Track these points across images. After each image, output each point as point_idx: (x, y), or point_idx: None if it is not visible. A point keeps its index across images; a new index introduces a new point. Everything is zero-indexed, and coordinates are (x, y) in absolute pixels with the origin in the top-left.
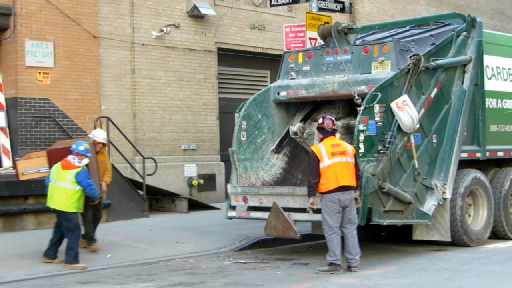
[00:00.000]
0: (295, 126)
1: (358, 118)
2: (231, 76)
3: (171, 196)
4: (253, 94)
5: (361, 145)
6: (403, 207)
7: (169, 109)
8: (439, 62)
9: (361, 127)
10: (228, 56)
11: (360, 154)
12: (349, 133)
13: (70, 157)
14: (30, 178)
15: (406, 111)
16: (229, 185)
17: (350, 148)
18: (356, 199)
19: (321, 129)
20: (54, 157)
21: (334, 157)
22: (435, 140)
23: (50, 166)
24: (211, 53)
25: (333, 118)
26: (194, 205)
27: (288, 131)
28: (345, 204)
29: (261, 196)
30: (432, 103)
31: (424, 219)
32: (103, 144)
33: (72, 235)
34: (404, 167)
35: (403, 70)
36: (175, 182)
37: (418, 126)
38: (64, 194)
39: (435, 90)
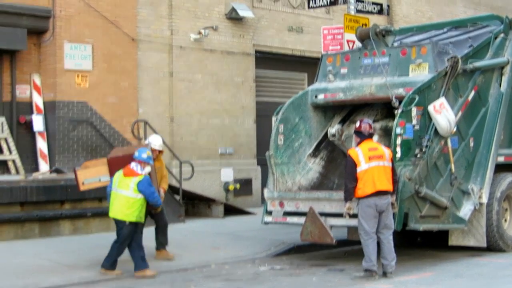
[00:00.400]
0: (334, 128)
1: (395, 122)
2: (269, 79)
3: (207, 201)
4: (290, 97)
5: (398, 149)
6: (439, 212)
7: (207, 113)
8: (477, 64)
9: (398, 130)
10: (266, 59)
11: (397, 158)
12: (387, 135)
13: (132, 165)
14: (91, 188)
15: (444, 114)
16: (265, 190)
17: (387, 152)
18: (392, 204)
19: (358, 133)
20: (115, 165)
21: (372, 161)
22: (472, 144)
23: (111, 175)
24: (249, 55)
25: (370, 122)
26: (230, 210)
27: (325, 135)
28: (382, 209)
29: (298, 201)
30: (469, 106)
31: (460, 224)
32: (160, 151)
33: (117, 245)
34: (441, 171)
35: (441, 73)
36: (212, 186)
37: (455, 129)
38: (125, 202)
39: (473, 92)
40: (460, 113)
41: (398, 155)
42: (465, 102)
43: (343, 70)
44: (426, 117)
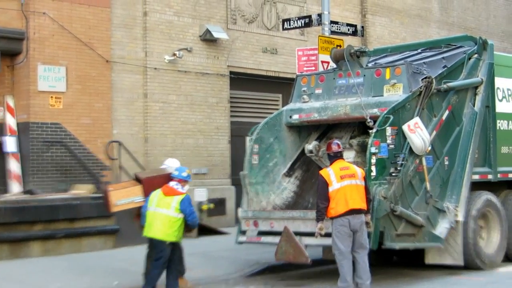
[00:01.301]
0: (311, 145)
1: (370, 141)
2: (243, 99)
3: None
4: (265, 117)
5: (373, 168)
6: (415, 231)
7: (181, 133)
8: (451, 84)
9: (373, 149)
10: (240, 80)
11: (372, 177)
12: (364, 151)
13: (172, 183)
14: (124, 209)
15: (418, 133)
16: (240, 210)
17: (359, 171)
18: (367, 223)
19: (328, 154)
20: (150, 185)
21: (343, 180)
22: (446, 162)
23: (146, 195)
24: (223, 76)
25: (339, 142)
26: (204, 230)
27: (300, 154)
28: (356, 228)
29: (272, 220)
30: (443, 125)
31: (436, 243)
32: None
33: (159, 269)
34: (416, 190)
35: (415, 93)
36: None
37: (430, 148)
38: (167, 221)
39: (447, 112)
40: (434, 132)
41: (373, 173)
42: (439, 122)
43: (318, 91)
44: (400, 136)
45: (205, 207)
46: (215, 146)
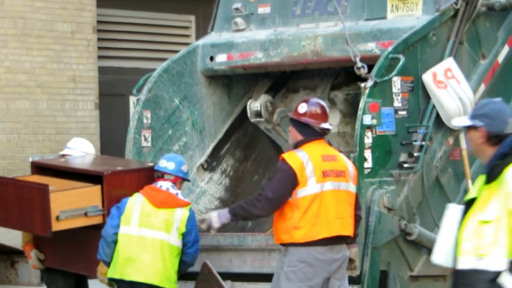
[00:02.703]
0: (258, 102)
1: (361, 104)
2: (124, 26)
3: (9, 255)
4: (164, 59)
5: (368, 154)
6: (446, 270)
7: (4, 91)
8: None
9: (367, 120)
10: None
11: (367, 171)
12: (356, 114)
13: (166, 185)
14: (70, 227)
15: (452, 89)
16: None
17: (351, 165)
18: (351, 260)
19: (298, 123)
20: (117, 186)
21: (327, 179)
22: None
23: (108, 205)
24: None
25: (323, 103)
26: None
27: (231, 128)
28: (333, 269)
29: None
30: (500, 74)
31: None
32: None
33: None
34: (449, 194)
35: (446, 13)
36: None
37: None
38: (168, 254)
39: (506, 49)
40: (482, 87)
41: (368, 165)
42: (492, 67)
43: (263, 9)
44: (419, 95)
45: None
46: (71, 114)
